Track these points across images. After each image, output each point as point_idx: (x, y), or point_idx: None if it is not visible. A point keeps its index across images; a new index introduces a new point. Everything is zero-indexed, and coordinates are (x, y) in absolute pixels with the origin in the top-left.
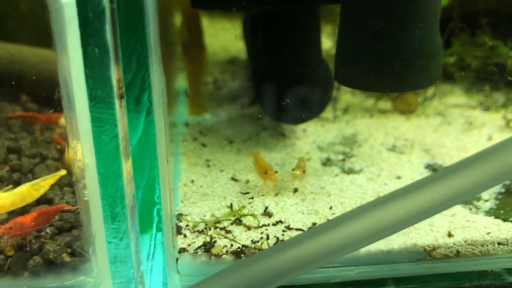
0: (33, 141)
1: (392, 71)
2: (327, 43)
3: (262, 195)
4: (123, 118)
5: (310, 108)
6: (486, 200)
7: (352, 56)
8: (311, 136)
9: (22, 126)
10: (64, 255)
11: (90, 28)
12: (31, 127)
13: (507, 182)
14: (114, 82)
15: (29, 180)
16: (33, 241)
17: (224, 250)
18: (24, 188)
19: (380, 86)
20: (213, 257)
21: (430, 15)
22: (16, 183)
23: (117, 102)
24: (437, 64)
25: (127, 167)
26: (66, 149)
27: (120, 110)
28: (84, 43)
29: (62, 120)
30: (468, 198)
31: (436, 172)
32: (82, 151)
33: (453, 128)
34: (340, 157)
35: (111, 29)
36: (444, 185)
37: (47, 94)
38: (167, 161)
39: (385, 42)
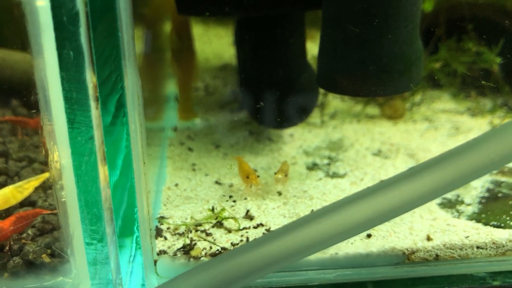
0: (21, 145)
1: (372, 75)
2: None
3: (245, 199)
4: (99, 120)
5: (296, 113)
6: (469, 204)
7: (332, 61)
8: (298, 141)
9: (11, 130)
10: (43, 256)
11: (65, 31)
12: (20, 131)
13: (491, 187)
14: (89, 84)
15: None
16: (12, 243)
17: (203, 253)
18: (7, 190)
19: (360, 90)
20: (192, 259)
21: (410, 21)
22: (2, 186)
23: (92, 104)
24: (417, 69)
25: (104, 170)
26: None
27: (95, 112)
28: (59, 46)
29: None
30: (438, 196)
31: (406, 170)
32: (58, 152)
33: (440, 133)
34: (326, 161)
35: (86, 32)
36: (413, 183)
37: (32, 97)
38: (144, 163)
39: (365, 47)
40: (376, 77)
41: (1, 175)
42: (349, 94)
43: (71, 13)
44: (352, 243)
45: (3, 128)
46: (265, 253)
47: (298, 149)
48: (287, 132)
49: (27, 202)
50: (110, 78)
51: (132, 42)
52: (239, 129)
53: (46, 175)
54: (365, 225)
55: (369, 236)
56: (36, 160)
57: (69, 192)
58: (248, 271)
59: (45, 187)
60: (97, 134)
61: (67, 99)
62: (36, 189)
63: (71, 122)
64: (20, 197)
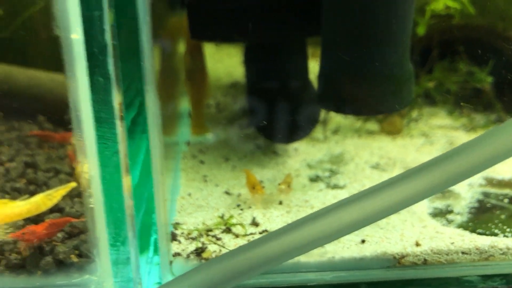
0: (47, 157)
1: (365, 96)
2: None
3: (250, 207)
4: (123, 137)
5: (300, 129)
6: (458, 214)
7: (330, 83)
8: (302, 155)
9: (39, 143)
10: (72, 256)
11: (95, 60)
12: (46, 145)
13: (480, 197)
14: (116, 105)
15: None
16: (44, 245)
17: (213, 255)
18: (38, 197)
19: (355, 110)
20: (203, 261)
21: (399, 45)
22: (32, 194)
23: (118, 122)
24: (408, 89)
25: (127, 180)
26: (76, 163)
27: (120, 129)
28: (91, 73)
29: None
30: (422, 199)
31: (395, 176)
32: (88, 164)
33: (435, 147)
34: (327, 174)
35: (113, 61)
36: (398, 188)
37: (61, 115)
38: (162, 174)
39: (358, 71)
40: (369, 98)
41: (31, 184)
42: (345, 113)
43: (101, 45)
44: (347, 248)
45: (31, 142)
46: (260, 252)
47: (301, 162)
48: (292, 146)
49: (56, 209)
50: (133, 99)
51: (152, 68)
52: (247, 144)
53: (72, 184)
54: (355, 226)
55: (363, 241)
56: (61, 171)
57: (96, 199)
58: (242, 270)
59: (72, 196)
60: (122, 148)
61: (97, 118)
62: (64, 197)
63: (100, 138)
64: (49, 204)
